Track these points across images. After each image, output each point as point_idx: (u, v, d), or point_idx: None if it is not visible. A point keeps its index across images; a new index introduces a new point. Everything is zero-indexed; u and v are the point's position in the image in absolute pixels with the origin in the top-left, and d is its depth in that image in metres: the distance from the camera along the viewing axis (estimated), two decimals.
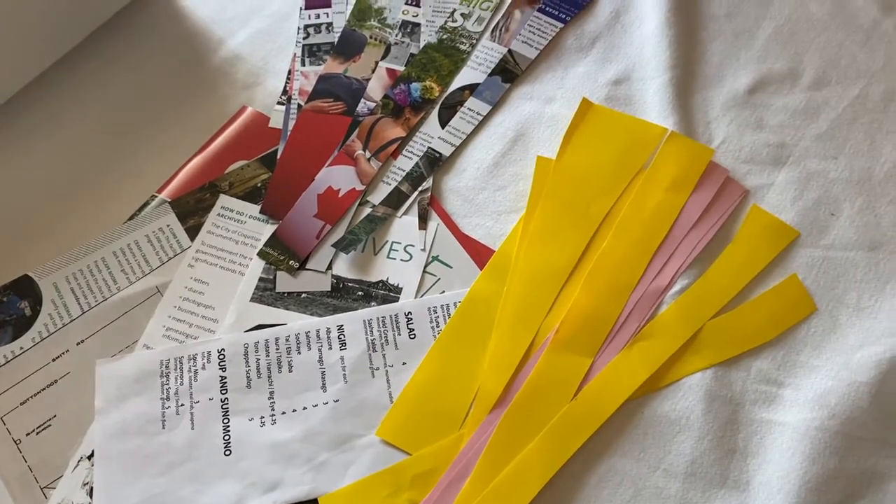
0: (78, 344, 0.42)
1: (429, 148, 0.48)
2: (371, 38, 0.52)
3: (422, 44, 0.51)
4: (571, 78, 0.50)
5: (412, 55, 0.51)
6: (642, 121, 0.47)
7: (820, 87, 0.48)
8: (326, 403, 0.40)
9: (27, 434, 0.40)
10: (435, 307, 0.42)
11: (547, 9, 0.52)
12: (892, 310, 0.42)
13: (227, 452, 0.39)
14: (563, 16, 0.52)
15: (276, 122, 0.49)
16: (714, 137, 0.47)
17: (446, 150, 0.48)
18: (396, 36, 0.52)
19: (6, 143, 0.48)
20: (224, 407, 0.40)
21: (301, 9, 0.53)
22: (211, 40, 0.52)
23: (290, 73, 0.51)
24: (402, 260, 0.44)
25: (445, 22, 0.52)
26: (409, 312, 0.42)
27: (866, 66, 0.49)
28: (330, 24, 0.52)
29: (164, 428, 0.39)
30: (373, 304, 0.43)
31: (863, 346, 0.41)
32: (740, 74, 0.49)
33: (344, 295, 0.43)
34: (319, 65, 0.51)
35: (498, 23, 0.52)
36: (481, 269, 0.43)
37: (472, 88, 0.50)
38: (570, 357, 0.41)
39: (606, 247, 0.44)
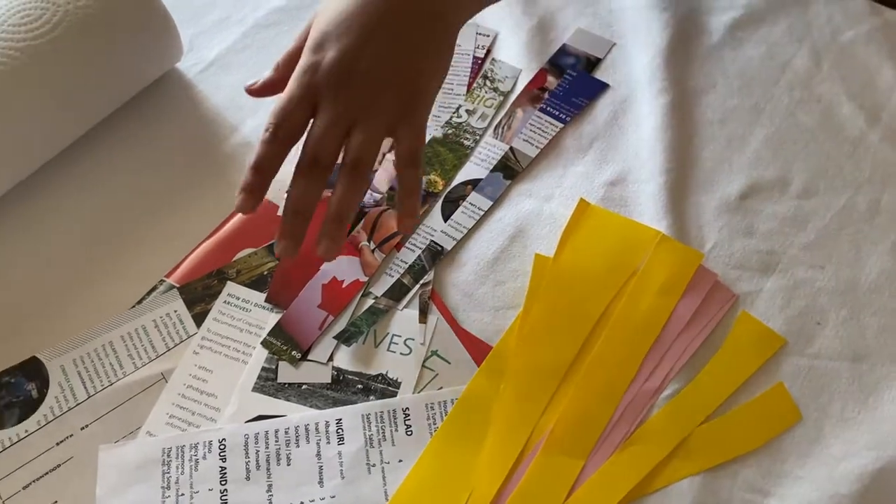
0: (82, 428, 0.43)
1: (431, 241, 0.49)
2: None
3: (427, 138, 0.54)
4: (570, 177, 0.52)
5: None
6: (636, 223, 0.49)
7: (808, 196, 0.51)
8: (323, 499, 0.41)
9: None
10: (432, 403, 0.43)
11: (548, 109, 0.54)
12: (874, 422, 0.43)
13: None
14: (564, 116, 0.54)
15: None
16: (706, 241, 0.49)
17: (448, 244, 0.49)
18: None
19: (17, 225, 0.50)
20: (223, 498, 0.41)
21: None
22: (223, 127, 0.54)
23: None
24: (401, 353, 0.45)
25: (451, 117, 0.54)
26: (407, 408, 0.43)
27: (853, 177, 0.51)
28: None
29: None
30: (371, 397, 0.44)
31: (846, 458, 0.42)
32: (732, 180, 0.51)
33: (344, 387, 0.44)
34: None
35: (501, 120, 0.54)
36: (479, 365, 0.45)
37: (474, 183, 0.52)
38: (563, 459, 0.42)
39: (600, 348, 0.45)
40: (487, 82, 0.56)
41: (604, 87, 0.55)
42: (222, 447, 0.42)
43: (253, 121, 0.54)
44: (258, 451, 0.42)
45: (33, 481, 0.41)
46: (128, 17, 0.50)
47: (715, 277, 0.48)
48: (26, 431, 0.43)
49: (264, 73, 0.46)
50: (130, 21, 0.50)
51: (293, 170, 0.41)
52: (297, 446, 0.42)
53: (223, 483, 0.41)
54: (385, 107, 0.41)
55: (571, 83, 0.55)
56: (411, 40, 0.42)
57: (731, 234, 0.49)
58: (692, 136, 0.53)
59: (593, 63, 0.57)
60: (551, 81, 0.55)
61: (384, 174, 0.52)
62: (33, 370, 0.44)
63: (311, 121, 0.41)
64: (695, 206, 0.50)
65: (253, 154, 0.41)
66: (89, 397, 0.44)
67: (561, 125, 0.54)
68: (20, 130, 0.47)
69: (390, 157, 0.53)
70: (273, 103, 0.42)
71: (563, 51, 0.57)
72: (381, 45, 0.41)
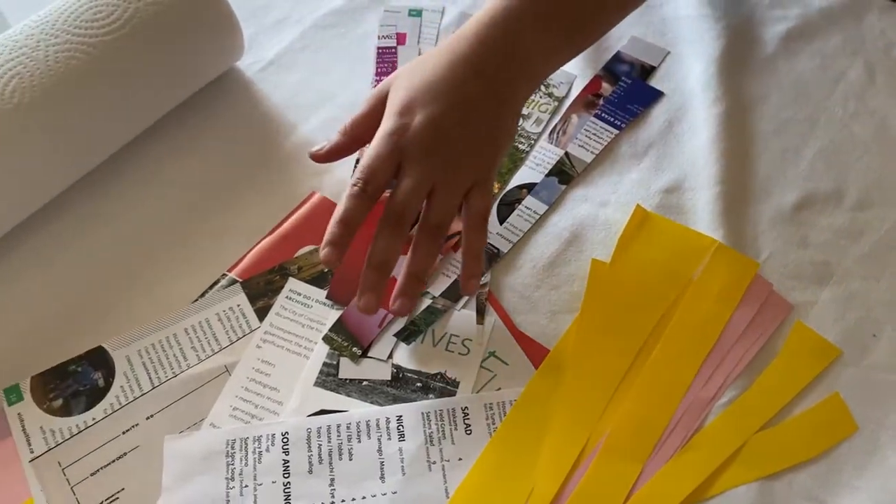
0: (147, 418, 0.44)
1: (487, 243, 0.50)
2: None
3: None
4: (625, 183, 0.52)
5: None
6: (693, 231, 0.50)
7: (863, 209, 0.51)
8: (385, 495, 0.41)
9: None
10: (491, 404, 0.44)
11: (603, 115, 0.55)
12: None
13: None
14: (619, 123, 0.54)
15: None
16: (761, 251, 0.49)
17: (504, 247, 0.50)
18: None
19: (85, 217, 0.51)
20: (286, 491, 0.41)
21: None
22: (284, 125, 0.55)
23: (357, 162, 0.53)
24: (459, 353, 0.46)
25: None
26: (466, 407, 0.44)
27: None
28: None
29: None
30: (430, 396, 0.45)
31: None
32: (787, 191, 0.52)
33: (403, 385, 0.45)
34: None
35: (556, 126, 0.55)
36: (536, 368, 0.45)
37: (529, 187, 0.52)
38: (621, 463, 0.42)
39: (657, 355, 0.45)
40: (542, 87, 0.56)
41: (659, 94, 0.56)
42: (285, 440, 0.43)
43: (314, 119, 0.55)
44: (320, 444, 0.43)
45: (100, 468, 0.42)
46: (194, 14, 0.50)
47: (770, 287, 0.48)
48: (93, 419, 0.43)
49: (331, 136, 0.47)
50: (197, 18, 0.51)
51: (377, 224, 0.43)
52: (359, 441, 0.43)
53: (286, 476, 0.42)
54: (465, 173, 0.44)
55: (626, 90, 0.56)
56: (488, 109, 0.44)
57: (786, 244, 0.50)
58: (747, 146, 0.54)
59: (648, 71, 0.57)
60: (606, 88, 0.56)
61: None
62: (99, 359, 0.45)
63: (396, 180, 0.44)
64: (750, 216, 0.51)
65: (340, 207, 0.43)
66: (154, 388, 0.44)
67: (616, 131, 0.54)
68: (89, 124, 0.48)
69: None
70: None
71: (618, 58, 0.57)
72: (465, 115, 0.44)
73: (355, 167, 0.53)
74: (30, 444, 0.42)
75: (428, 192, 0.43)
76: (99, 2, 0.49)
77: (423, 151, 0.43)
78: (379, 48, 0.59)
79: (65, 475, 0.42)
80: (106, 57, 0.48)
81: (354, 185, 0.43)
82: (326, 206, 0.51)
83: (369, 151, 0.43)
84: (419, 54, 0.58)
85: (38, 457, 0.42)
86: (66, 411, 0.44)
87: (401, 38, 0.59)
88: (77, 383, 0.44)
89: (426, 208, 0.44)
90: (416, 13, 0.60)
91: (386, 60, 0.58)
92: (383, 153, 0.43)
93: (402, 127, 0.43)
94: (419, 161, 0.43)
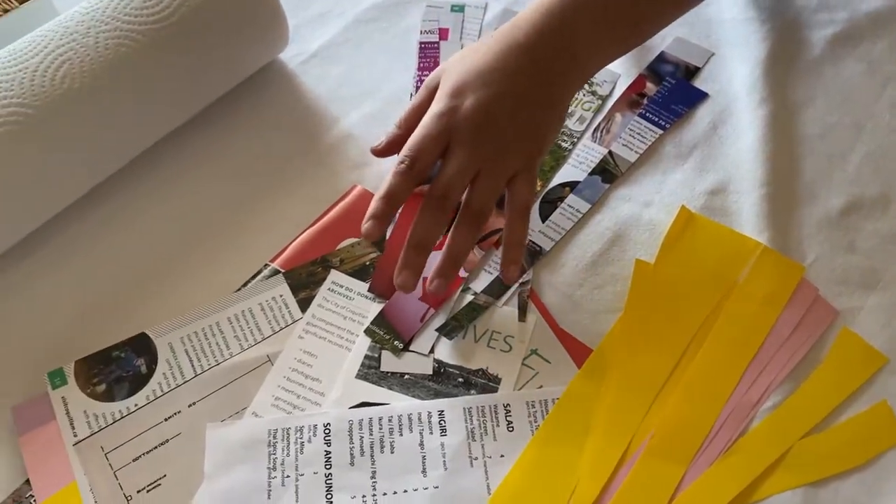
0: (190, 406, 0.44)
1: (529, 240, 0.50)
2: None
3: None
4: (669, 184, 0.52)
5: None
6: (738, 233, 0.49)
7: None
8: (426, 489, 0.41)
9: (138, 491, 0.41)
10: (533, 402, 0.44)
11: (647, 115, 0.54)
12: None
13: None
14: (663, 123, 0.54)
15: None
16: (806, 255, 0.49)
17: (546, 245, 0.50)
18: None
19: (128, 204, 0.51)
20: (328, 482, 0.41)
21: (411, 95, 0.56)
22: (326, 118, 0.55)
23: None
24: (501, 350, 0.46)
25: None
26: (508, 404, 0.44)
27: None
28: None
29: (269, 498, 0.41)
30: (472, 391, 0.44)
31: None
32: (832, 196, 0.51)
33: (445, 380, 0.45)
34: None
35: (599, 124, 0.54)
36: (578, 367, 0.45)
37: (572, 185, 0.52)
38: (665, 464, 0.42)
39: (701, 357, 0.45)
40: (586, 85, 0.56)
41: (703, 95, 0.55)
42: (327, 431, 0.43)
43: (356, 113, 0.55)
44: (362, 437, 0.43)
45: (143, 454, 0.42)
46: (242, 5, 0.51)
47: (816, 292, 0.47)
48: (136, 405, 0.44)
49: (387, 130, 0.48)
50: (244, 9, 0.51)
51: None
52: (401, 435, 0.43)
53: (328, 467, 0.42)
54: (511, 160, 0.44)
55: (671, 90, 0.55)
56: (539, 99, 0.44)
57: (833, 249, 0.49)
58: (792, 149, 0.53)
59: (692, 72, 0.57)
60: (650, 88, 0.56)
61: None
62: (142, 346, 0.45)
63: (441, 160, 0.44)
64: (795, 220, 0.50)
65: (384, 184, 0.43)
66: (196, 375, 0.44)
67: (660, 131, 0.54)
68: (136, 110, 0.49)
69: None
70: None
71: (662, 58, 0.57)
72: (516, 102, 0.44)
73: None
74: (73, 428, 0.43)
75: (473, 175, 0.43)
76: None
77: (472, 134, 0.43)
78: (421, 43, 0.59)
79: (107, 460, 0.42)
80: (154, 45, 0.48)
81: (401, 162, 0.43)
82: (367, 200, 0.50)
83: (418, 130, 0.43)
84: (461, 50, 0.58)
85: (81, 440, 0.42)
86: (108, 396, 0.44)
87: (443, 34, 0.59)
88: (120, 369, 0.45)
89: (469, 192, 0.44)
90: (458, 9, 0.60)
91: (428, 55, 0.58)
92: (432, 133, 0.43)
93: (453, 108, 0.43)
94: (467, 143, 0.43)
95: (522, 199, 0.45)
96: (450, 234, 0.44)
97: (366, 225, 0.42)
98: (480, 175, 0.43)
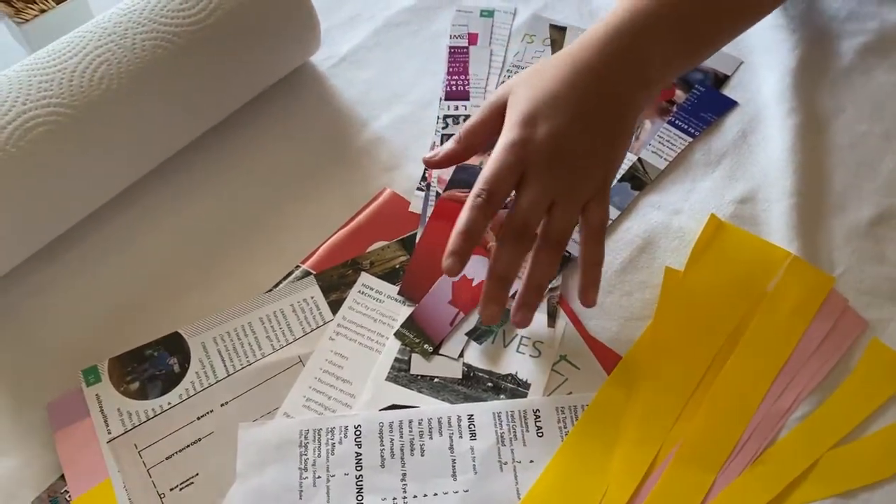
0: (222, 405, 0.44)
1: None
2: None
3: None
4: (698, 192, 0.52)
5: None
6: (768, 243, 0.49)
7: None
8: (457, 492, 0.41)
9: (171, 489, 0.42)
10: (563, 407, 0.44)
11: (676, 122, 0.54)
12: None
13: None
14: (693, 130, 0.54)
15: (415, 206, 0.51)
16: (836, 266, 0.49)
17: (575, 250, 0.50)
18: None
19: (161, 204, 0.52)
20: (358, 484, 0.42)
21: (441, 99, 0.56)
22: (356, 121, 0.55)
23: None
24: (530, 356, 0.46)
25: None
26: (538, 410, 0.44)
27: None
28: (468, 117, 0.55)
29: (300, 498, 0.41)
30: (501, 396, 0.45)
31: None
32: (863, 206, 0.51)
33: (474, 384, 0.45)
34: None
35: None
36: (607, 373, 0.45)
37: None
38: (694, 472, 0.42)
39: (730, 365, 0.45)
40: None
41: (732, 104, 0.55)
42: (357, 433, 0.43)
43: (386, 116, 0.55)
44: (392, 439, 0.43)
45: (175, 452, 0.43)
46: (277, 7, 0.51)
47: (846, 303, 0.47)
48: (169, 404, 0.44)
49: (445, 145, 0.48)
50: (279, 12, 0.51)
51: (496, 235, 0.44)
52: (431, 438, 0.43)
53: (359, 469, 0.42)
54: (585, 187, 0.44)
55: (700, 98, 0.55)
56: (609, 120, 0.44)
57: (862, 259, 0.49)
58: (822, 159, 0.53)
59: (721, 80, 0.57)
60: (679, 95, 0.56)
61: None
62: (175, 345, 0.46)
63: (515, 190, 0.44)
64: (825, 230, 0.50)
65: (462, 218, 0.43)
66: (228, 375, 0.45)
67: (689, 139, 0.54)
68: (171, 112, 0.49)
69: None
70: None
71: None
72: (586, 125, 0.43)
73: (426, 168, 0.53)
74: (107, 425, 0.43)
75: (549, 205, 0.43)
76: None
77: (547, 164, 0.43)
78: (450, 48, 0.59)
79: (141, 457, 0.42)
80: (190, 47, 0.48)
81: (478, 196, 0.42)
82: (397, 203, 0.52)
83: (492, 162, 0.43)
84: (490, 55, 0.58)
85: (115, 438, 0.43)
86: (142, 394, 0.44)
87: (472, 38, 0.59)
88: (153, 367, 0.45)
89: (546, 222, 0.44)
90: (487, 14, 0.60)
91: (457, 60, 0.58)
92: (507, 164, 0.42)
93: (526, 139, 0.43)
94: (542, 174, 0.42)
95: (597, 222, 0.44)
96: (530, 264, 0.44)
97: (447, 262, 0.42)
98: (556, 204, 0.43)
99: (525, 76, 0.46)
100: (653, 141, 0.54)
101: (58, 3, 0.54)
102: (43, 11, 0.53)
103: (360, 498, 0.41)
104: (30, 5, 0.53)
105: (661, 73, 0.46)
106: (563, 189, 0.43)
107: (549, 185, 0.43)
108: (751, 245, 0.49)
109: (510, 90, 0.46)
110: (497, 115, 0.45)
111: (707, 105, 0.55)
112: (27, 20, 0.53)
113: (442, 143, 0.54)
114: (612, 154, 0.45)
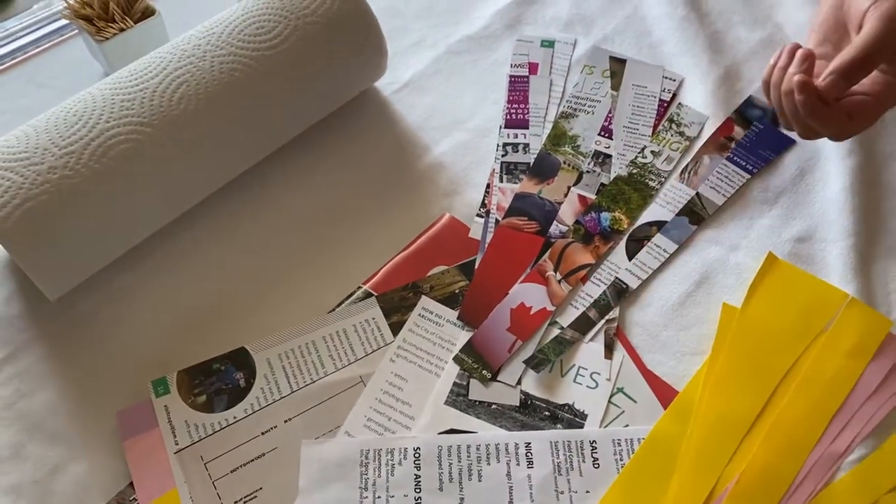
0: (286, 421, 0.45)
1: (616, 278, 0.51)
2: (564, 163, 0.56)
3: (612, 175, 0.55)
4: (756, 229, 0.52)
5: (603, 185, 0.54)
6: (825, 283, 0.50)
7: None
8: None
9: (235, 502, 0.43)
10: (619, 440, 0.45)
11: (735, 158, 0.55)
12: None
13: None
14: (751, 167, 0.55)
15: (474, 233, 0.52)
16: (892, 309, 0.49)
17: (633, 283, 0.50)
18: (588, 164, 0.55)
19: (228, 225, 0.53)
20: None
21: (501, 127, 0.57)
22: (418, 146, 0.56)
23: (488, 186, 0.54)
24: (588, 386, 0.47)
25: (636, 157, 0.56)
26: (594, 441, 0.45)
27: None
28: (527, 145, 0.56)
29: None
30: (558, 426, 0.45)
31: None
32: None
33: (531, 412, 0.46)
34: (515, 182, 0.55)
35: (687, 165, 0.55)
36: (664, 408, 0.46)
37: (659, 225, 0.53)
38: None
39: (786, 404, 0.45)
40: (673, 126, 0.57)
41: (790, 142, 0.56)
42: (417, 455, 0.44)
43: (446, 142, 0.56)
44: (451, 463, 0.44)
45: (240, 466, 0.44)
46: (349, 33, 0.52)
47: None
48: (234, 418, 0.45)
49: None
50: (350, 38, 0.53)
51: None
52: (488, 464, 0.44)
53: (417, 491, 0.43)
54: None
55: (758, 135, 0.56)
56: None
57: None
58: (879, 200, 0.53)
59: None
60: (738, 132, 0.56)
61: (569, 207, 0.54)
62: (242, 360, 0.47)
63: None
64: (882, 272, 0.50)
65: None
66: (292, 392, 0.46)
67: (748, 176, 0.54)
68: (245, 132, 0.51)
69: (575, 190, 0.54)
70: None
71: (750, 102, 0.58)
72: None
73: (485, 193, 0.54)
74: (175, 436, 0.45)
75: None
76: (262, 18, 0.51)
77: None
78: (511, 76, 0.60)
79: (207, 470, 0.44)
80: (265, 71, 0.50)
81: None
82: (457, 228, 0.53)
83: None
84: (550, 84, 0.59)
85: (182, 449, 0.44)
86: (208, 407, 0.46)
87: (533, 68, 0.60)
88: (220, 381, 0.46)
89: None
90: (548, 44, 0.62)
91: (518, 89, 0.59)
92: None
93: None
94: None
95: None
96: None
97: (829, 78, 0.45)
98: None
99: None
100: (711, 176, 0.54)
101: (136, 23, 0.56)
102: (122, 30, 0.55)
103: None
104: (110, 24, 0.55)
105: None
106: None
107: None
108: (808, 284, 0.50)
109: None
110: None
111: (765, 142, 0.56)
112: (107, 38, 0.55)
113: (501, 170, 0.55)
114: None
